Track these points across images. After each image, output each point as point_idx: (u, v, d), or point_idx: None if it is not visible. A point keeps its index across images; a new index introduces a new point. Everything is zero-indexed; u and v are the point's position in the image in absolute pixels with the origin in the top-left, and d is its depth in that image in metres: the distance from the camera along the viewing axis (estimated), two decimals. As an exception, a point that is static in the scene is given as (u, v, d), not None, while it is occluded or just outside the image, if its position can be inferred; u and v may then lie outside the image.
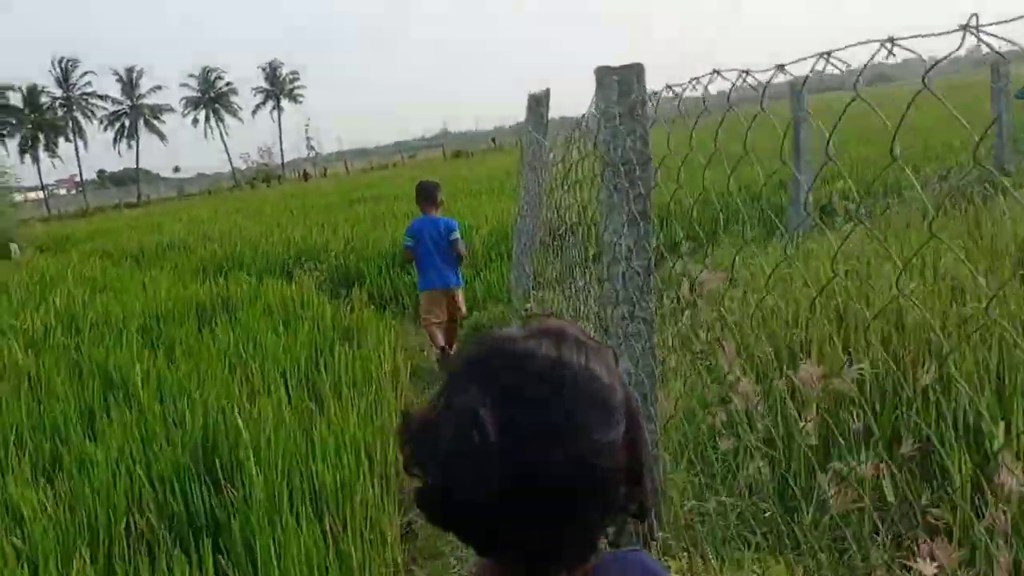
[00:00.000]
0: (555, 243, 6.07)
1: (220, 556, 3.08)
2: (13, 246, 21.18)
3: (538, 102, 6.51)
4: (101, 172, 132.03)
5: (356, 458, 3.56)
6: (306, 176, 59.92)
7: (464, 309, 6.92)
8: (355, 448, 3.70)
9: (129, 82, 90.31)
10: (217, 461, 3.48)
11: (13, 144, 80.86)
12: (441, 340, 6.60)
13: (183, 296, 8.23)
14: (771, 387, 3.61)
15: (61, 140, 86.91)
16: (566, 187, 4.59)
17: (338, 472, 3.42)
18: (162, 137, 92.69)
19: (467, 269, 8.65)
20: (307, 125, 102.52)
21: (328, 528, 3.24)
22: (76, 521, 3.19)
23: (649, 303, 2.96)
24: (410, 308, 8.64)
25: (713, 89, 2.65)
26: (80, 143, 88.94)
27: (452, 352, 6.80)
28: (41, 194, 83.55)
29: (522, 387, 0.92)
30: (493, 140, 75.76)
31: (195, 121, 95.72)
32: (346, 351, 5.39)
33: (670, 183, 2.94)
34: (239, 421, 3.59)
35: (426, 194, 6.80)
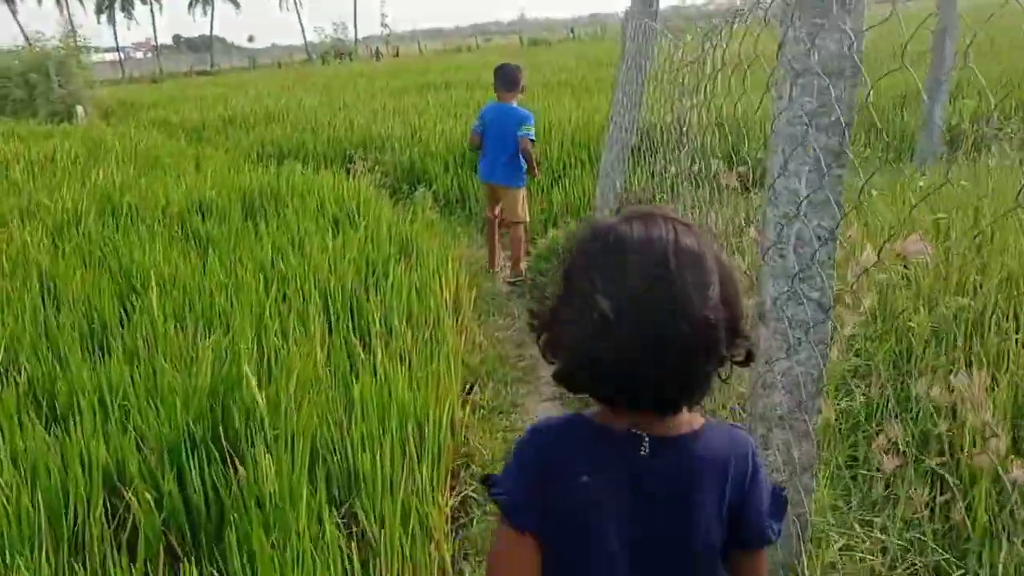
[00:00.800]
0: (660, 153, 5.14)
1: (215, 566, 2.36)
2: (79, 109, 20.66)
3: (647, -13, 5.45)
4: (177, 37, 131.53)
5: (400, 438, 2.77)
6: (378, 55, 58.42)
7: (521, 216, 6.15)
8: (403, 419, 2.92)
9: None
10: (223, 430, 2.74)
11: (90, 3, 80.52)
12: (490, 260, 6.41)
13: (232, 183, 7.46)
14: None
15: (137, 2, 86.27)
16: (703, 95, 3.57)
17: (378, 458, 2.64)
18: (236, 4, 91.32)
19: (545, 176, 7.72)
20: (383, 1, 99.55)
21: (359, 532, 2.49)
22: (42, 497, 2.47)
23: (828, 281, 2.05)
24: (478, 212, 7.78)
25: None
26: (156, 5, 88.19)
27: (508, 274, 6.04)
28: (117, 56, 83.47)
29: (625, 266, 1.08)
30: (571, 30, 72.86)
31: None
32: (401, 274, 4.57)
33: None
34: (253, 383, 2.80)
35: (506, 78, 6.02)
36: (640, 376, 1.10)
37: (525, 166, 6.05)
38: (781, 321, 2.14)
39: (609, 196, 5.88)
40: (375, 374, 3.21)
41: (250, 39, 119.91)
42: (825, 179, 1.99)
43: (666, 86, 4.48)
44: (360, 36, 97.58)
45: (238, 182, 7.43)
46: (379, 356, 3.40)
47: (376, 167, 9.01)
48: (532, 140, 5.97)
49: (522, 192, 6.21)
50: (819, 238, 2.04)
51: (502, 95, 6.03)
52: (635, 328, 1.07)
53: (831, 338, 2.24)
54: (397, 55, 57.55)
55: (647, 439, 1.18)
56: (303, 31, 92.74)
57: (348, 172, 9.07)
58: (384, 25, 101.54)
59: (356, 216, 6.06)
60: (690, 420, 1.22)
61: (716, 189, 3.82)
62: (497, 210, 6.29)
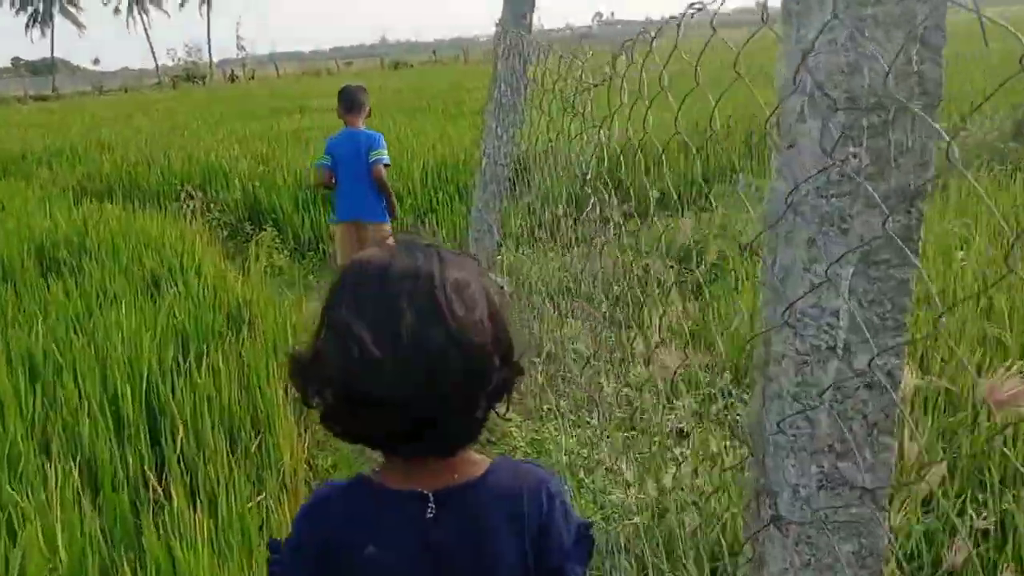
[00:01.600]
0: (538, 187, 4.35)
1: None
2: None
3: (520, -4, 4.62)
4: (16, 60, 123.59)
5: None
6: (233, 78, 56.09)
7: None
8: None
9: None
10: None
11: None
12: None
13: (31, 229, 6.18)
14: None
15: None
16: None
17: None
18: (79, 25, 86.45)
19: (407, 214, 6.78)
20: (238, 23, 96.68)
21: None
22: None
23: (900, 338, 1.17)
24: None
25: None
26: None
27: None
28: (-57, 79, 77.50)
29: (386, 297, 1.01)
30: (434, 52, 72.30)
31: (116, 11, 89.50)
32: (226, 352, 3.54)
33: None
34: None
35: (349, 100, 5.32)
36: (412, 410, 1.02)
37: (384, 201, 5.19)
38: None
39: (485, 240, 5.00)
40: (161, 534, 2.19)
41: (95, 62, 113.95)
42: (911, 220, 1.15)
43: (555, 113, 3.66)
44: (216, 59, 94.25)
45: (38, 228, 6.16)
46: (176, 500, 2.37)
47: (212, 205, 7.85)
48: (386, 165, 5.17)
49: (386, 227, 5.32)
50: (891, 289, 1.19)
51: (348, 120, 5.25)
52: (400, 363, 1.00)
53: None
54: (253, 78, 55.37)
55: (431, 498, 1.10)
56: (153, 54, 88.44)
57: (183, 211, 7.88)
58: (240, 48, 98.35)
59: (179, 271, 4.95)
60: (475, 463, 1.15)
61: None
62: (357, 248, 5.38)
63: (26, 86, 73.48)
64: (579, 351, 4.22)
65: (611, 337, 4.18)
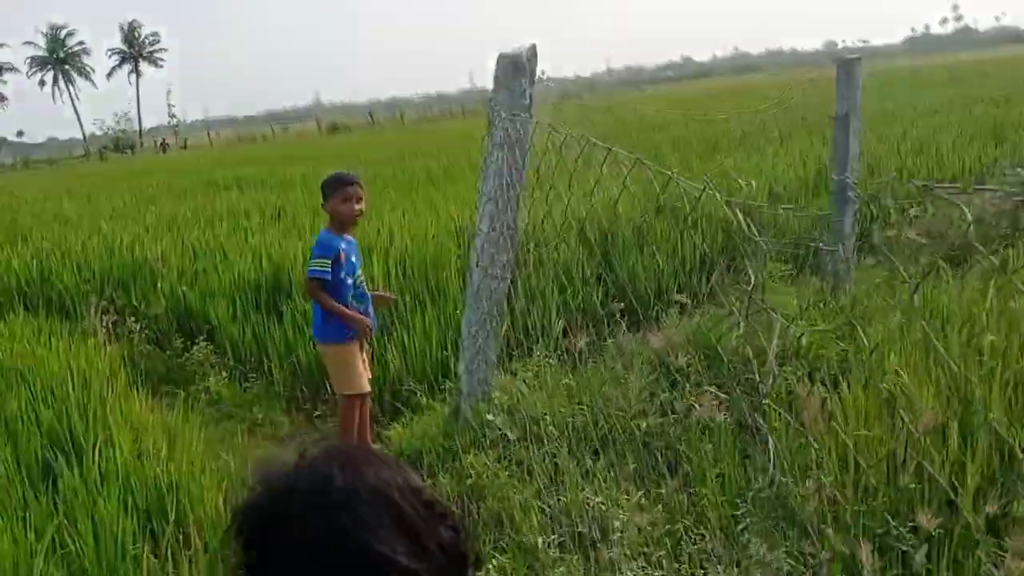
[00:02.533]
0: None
1: None
2: None
3: (516, 69, 3.61)
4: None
5: None
6: (164, 147, 54.59)
7: (341, 386, 4.41)
8: None
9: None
10: None
11: None
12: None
13: None
14: None
15: None
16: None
17: None
18: (1, 99, 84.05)
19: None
20: (169, 91, 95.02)
21: None
22: None
23: None
24: (282, 379, 5.60)
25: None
26: None
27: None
28: None
29: (299, 535, 0.96)
30: (370, 114, 71.60)
31: (42, 83, 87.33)
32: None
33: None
34: None
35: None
36: None
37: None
38: None
39: (481, 372, 3.94)
40: None
41: (19, 134, 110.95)
42: None
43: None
44: (146, 127, 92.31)
45: None
46: None
47: (134, 321, 6.61)
48: (311, 278, 4.22)
49: (340, 350, 4.30)
50: None
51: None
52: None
53: None
54: (185, 147, 53.94)
55: None
56: (80, 124, 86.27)
57: (96, 330, 6.63)
58: (171, 115, 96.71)
59: (84, 440, 3.75)
60: None
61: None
62: None
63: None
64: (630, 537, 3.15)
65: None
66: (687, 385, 4.16)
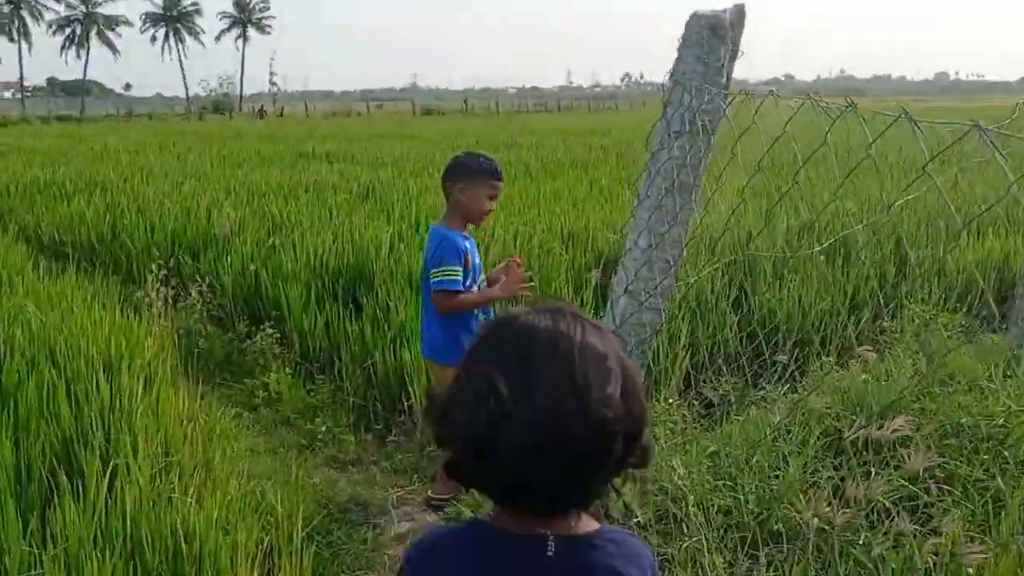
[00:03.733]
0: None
1: None
2: None
3: (714, 34, 2.66)
4: (52, 79, 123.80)
5: None
6: (262, 113, 54.96)
7: None
8: None
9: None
10: None
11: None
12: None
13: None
14: None
15: (3, 40, 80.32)
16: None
17: None
18: (114, 50, 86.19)
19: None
20: (272, 59, 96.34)
21: None
22: None
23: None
24: (358, 384, 4.76)
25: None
26: (25, 45, 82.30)
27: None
28: (-27, 94, 77.40)
29: (528, 357, 1.07)
30: (465, 101, 71.20)
31: (153, 39, 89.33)
32: None
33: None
34: None
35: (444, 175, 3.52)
36: (531, 472, 1.07)
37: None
38: None
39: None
40: None
41: (127, 87, 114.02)
42: None
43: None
44: (247, 93, 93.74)
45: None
46: None
47: (199, 295, 5.86)
48: (442, 290, 3.34)
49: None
50: None
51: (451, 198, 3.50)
52: (531, 421, 1.05)
53: None
54: (282, 115, 54.21)
55: (551, 537, 1.14)
56: (185, 83, 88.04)
57: (167, 292, 5.92)
58: (272, 83, 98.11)
59: (89, 459, 2.93)
60: (587, 521, 1.19)
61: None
62: None
63: (58, 107, 72.67)
64: None
65: None
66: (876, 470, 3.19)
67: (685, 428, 3.74)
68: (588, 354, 1.08)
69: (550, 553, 1.13)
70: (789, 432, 3.73)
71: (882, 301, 5.86)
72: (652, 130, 2.90)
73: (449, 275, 3.29)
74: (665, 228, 2.79)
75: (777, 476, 3.34)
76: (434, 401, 1.15)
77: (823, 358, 5.15)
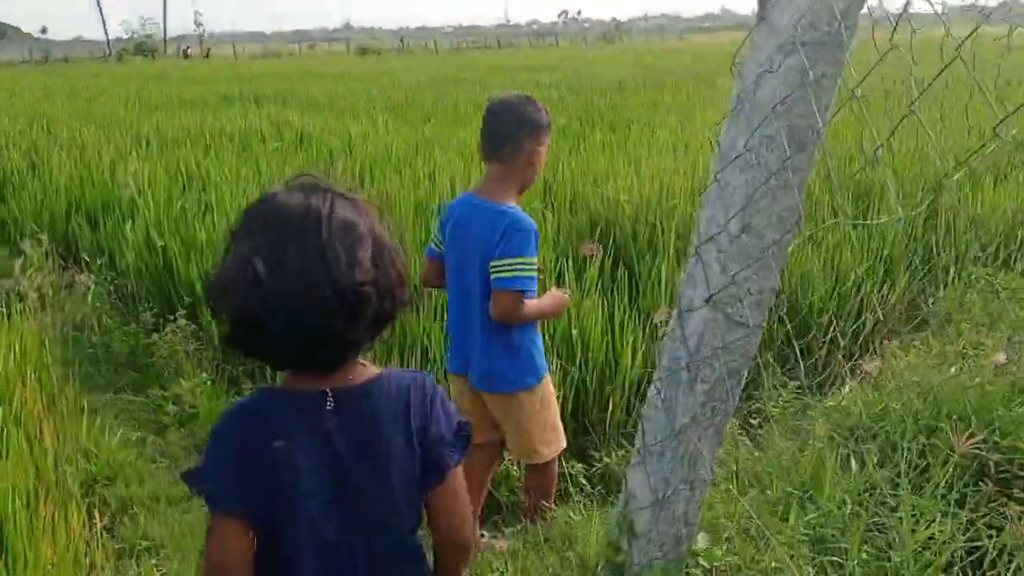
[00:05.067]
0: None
1: None
2: None
3: None
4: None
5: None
6: (186, 54, 52.10)
7: (544, 451, 2.64)
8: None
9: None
10: None
11: None
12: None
13: None
14: None
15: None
16: None
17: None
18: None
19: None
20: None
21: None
22: None
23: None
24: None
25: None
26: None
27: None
28: None
29: (280, 233, 1.17)
30: (402, 40, 68.64)
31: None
32: None
33: None
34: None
35: (494, 131, 2.53)
36: (296, 337, 1.18)
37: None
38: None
39: (681, 502, 2.00)
40: None
41: (43, 30, 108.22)
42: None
43: None
44: (171, 34, 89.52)
45: None
46: None
47: (95, 276, 4.67)
48: (518, 291, 2.41)
49: (538, 395, 2.58)
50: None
51: (488, 170, 2.56)
52: (283, 289, 1.14)
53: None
54: (208, 56, 51.45)
55: (329, 393, 1.26)
56: (104, 24, 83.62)
57: (49, 274, 4.73)
58: (198, 23, 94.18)
59: None
60: (368, 369, 1.31)
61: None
62: (489, 434, 2.66)
63: (-35, 52, 68.01)
64: None
65: None
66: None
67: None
68: (336, 224, 1.18)
69: (329, 406, 1.26)
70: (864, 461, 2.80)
71: (917, 262, 4.95)
72: (745, 42, 1.85)
73: (525, 270, 2.40)
74: (768, 200, 1.76)
75: (883, 533, 2.41)
76: (209, 283, 1.22)
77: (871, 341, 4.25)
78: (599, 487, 2.85)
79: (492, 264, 2.39)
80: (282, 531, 1.25)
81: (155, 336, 4.27)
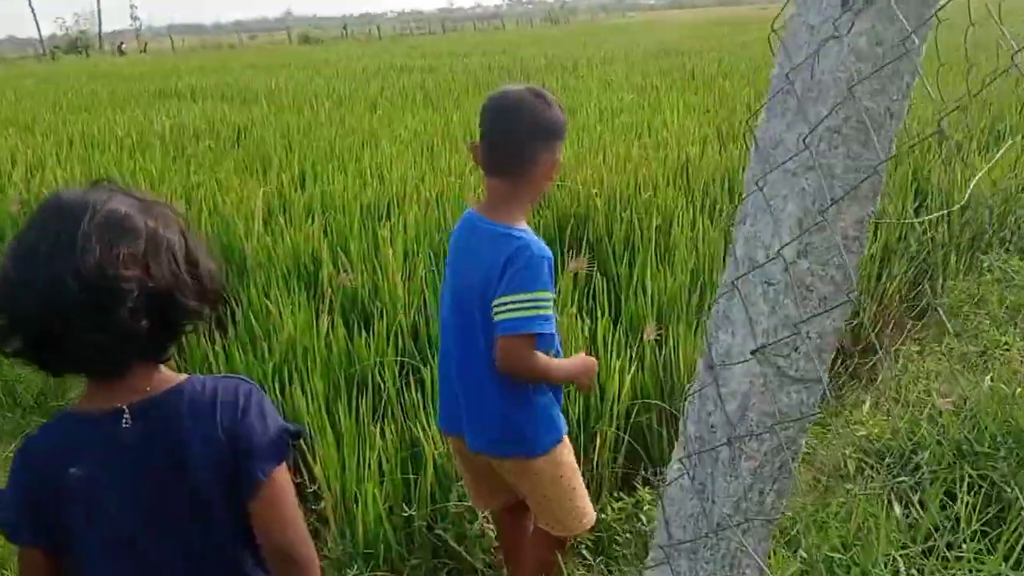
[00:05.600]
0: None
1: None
2: None
3: None
4: None
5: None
6: (121, 50, 50.48)
7: (573, 523, 2.11)
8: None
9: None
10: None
11: None
12: None
13: None
14: None
15: None
16: None
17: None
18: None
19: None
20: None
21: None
22: None
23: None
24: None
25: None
26: None
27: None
28: None
29: (40, 225, 1.12)
30: (345, 28, 67.34)
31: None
32: None
33: None
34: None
35: (495, 140, 1.95)
36: (57, 334, 1.11)
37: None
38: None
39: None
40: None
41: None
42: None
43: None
44: (106, 29, 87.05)
45: None
46: None
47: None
48: (530, 335, 1.88)
49: (564, 451, 2.07)
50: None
51: (490, 184, 1.99)
52: (31, 276, 1.09)
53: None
54: (144, 51, 49.95)
55: (125, 410, 1.18)
56: (36, 22, 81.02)
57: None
58: (134, 17, 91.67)
59: None
60: (170, 379, 1.23)
61: None
62: (507, 497, 2.21)
63: None
64: None
65: None
66: None
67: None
68: (102, 216, 1.11)
69: (126, 424, 1.18)
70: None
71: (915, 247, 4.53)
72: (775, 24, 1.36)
73: (539, 308, 1.87)
74: (833, 213, 1.28)
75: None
76: None
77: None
78: (600, 560, 2.36)
79: (495, 303, 1.87)
80: (91, 557, 1.22)
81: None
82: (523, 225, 1.96)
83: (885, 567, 2.04)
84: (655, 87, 10.81)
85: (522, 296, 1.85)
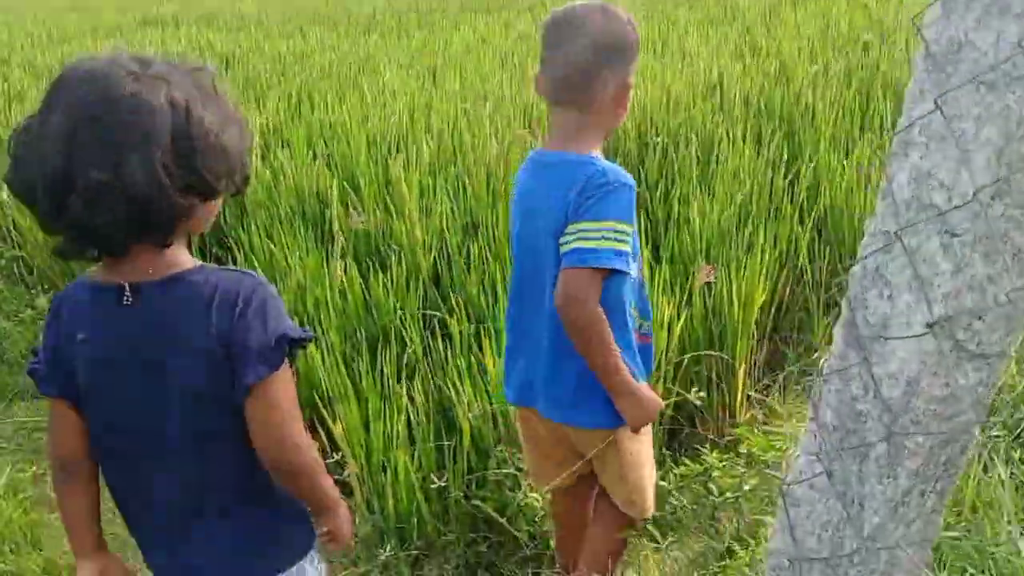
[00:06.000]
0: None
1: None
2: None
3: None
4: None
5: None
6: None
7: (640, 500, 1.84)
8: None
9: None
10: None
11: None
12: None
13: None
14: None
15: None
16: None
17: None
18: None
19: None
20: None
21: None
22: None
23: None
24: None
25: None
26: None
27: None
28: None
29: (83, 103, 1.07)
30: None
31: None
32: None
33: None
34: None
35: (561, 74, 1.64)
36: (51, 193, 1.09)
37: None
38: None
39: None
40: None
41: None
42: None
43: None
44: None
45: None
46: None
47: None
48: (599, 269, 1.56)
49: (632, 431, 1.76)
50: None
51: (555, 118, 1.70)
52: (40, 148, 1.08)
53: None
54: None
55: (126, 288, 1.18)
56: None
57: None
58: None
59: None
60: (179, 264, 1.20)
61: None
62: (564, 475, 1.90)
63: None
64: None
65: None
66: None
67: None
68: (125, 106, 1.07)
69: (127, 301, 1.18)
70: None
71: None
72: None
73: (614, 240, 1.57)
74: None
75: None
76: (8, 138, 1.15)
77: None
78: (673, 542, 2.08)
79: (564, 234, 1.58)
80: (95, 419, 1.25)
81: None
82: (597, 154, 1.65)
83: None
84: None
85: (596, 224, 1.55)
